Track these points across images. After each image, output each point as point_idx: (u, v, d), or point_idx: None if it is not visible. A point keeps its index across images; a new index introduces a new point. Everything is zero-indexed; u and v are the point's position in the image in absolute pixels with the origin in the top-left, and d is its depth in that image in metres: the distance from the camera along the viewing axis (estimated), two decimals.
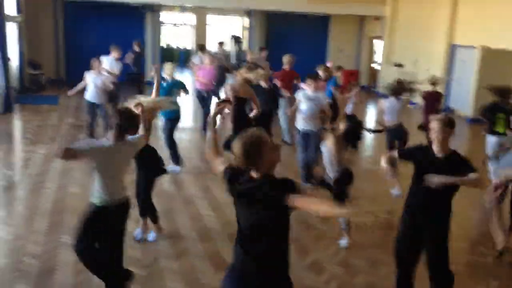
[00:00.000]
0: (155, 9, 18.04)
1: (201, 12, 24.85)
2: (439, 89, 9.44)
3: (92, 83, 8.99)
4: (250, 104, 7.89)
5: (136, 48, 12.23)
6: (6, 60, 11.63)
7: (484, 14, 13.22)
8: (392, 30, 17.49)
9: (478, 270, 5.25)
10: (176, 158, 7.87)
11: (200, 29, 25.81)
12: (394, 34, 17.48)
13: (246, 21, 20.87)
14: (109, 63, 10.30)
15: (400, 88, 7.77)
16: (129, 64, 11.93)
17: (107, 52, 11.23)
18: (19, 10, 13.74)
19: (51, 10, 16.77)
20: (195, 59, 12.32)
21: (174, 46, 26.02)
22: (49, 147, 8.61)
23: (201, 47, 12.60)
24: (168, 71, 7.71)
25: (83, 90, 9.14)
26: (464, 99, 14.01)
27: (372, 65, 19.71)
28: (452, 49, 14.73)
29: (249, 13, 19.58)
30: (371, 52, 19.74)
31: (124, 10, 17.41)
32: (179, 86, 7.85)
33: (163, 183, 7.33)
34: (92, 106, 9.08)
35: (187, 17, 25.76)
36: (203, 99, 10.54)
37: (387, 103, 7.70)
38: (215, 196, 6.90)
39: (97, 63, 9.12)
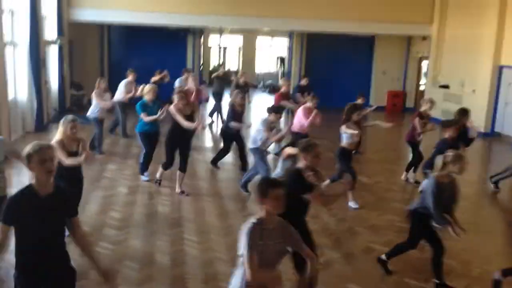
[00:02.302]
0: (196, 32, 18.30)
1: (249, 34, 25.12)
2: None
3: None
4: None
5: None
6: (40, 82, 12.05)
7: None
8: (439, 50, 16.70)
9: None
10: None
11: (248, 51, 26.07)
12: (440, 54, 16.68)
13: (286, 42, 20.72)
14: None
15: None
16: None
17: (149, 74, 12.24)
18: (60, 33, 14.27)
19: (96, 34, 17.42)
20: (177, 82, 12.21)
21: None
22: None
23: (186, 70, 12.57)
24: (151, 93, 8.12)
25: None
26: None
27: (420, 87, 18.91)
28: (498, 70, 13.83)
29: (290, 34, 19.42)
30: (418, 73, 18.96)
31: (166, 34, 17.81)
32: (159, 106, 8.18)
33: (156, 204, 7.23)
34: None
35: (235, 39, 26.09)
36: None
37: None
38: (206, 220, 6.68)
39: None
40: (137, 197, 7.53)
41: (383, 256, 5.31)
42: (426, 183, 5.17)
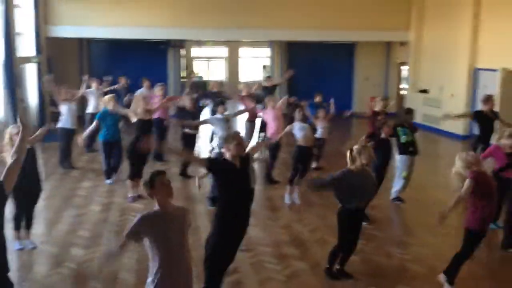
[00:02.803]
0: (176, 45, 18.32)
1: (233, 45, 25.18)
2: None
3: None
4: None
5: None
6: (16, 100, 12.01)
7: (505, 36, 12.46)
8: (417, 56, 16.80)
9: None
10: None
11: (232, 61, 26.14)
12: (419, 59, 16.77)
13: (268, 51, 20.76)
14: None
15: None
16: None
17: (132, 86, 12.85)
18: (38, 51, 14.25)
19: (76, 49, 17.39)
20: (137, 93, 12.21)
21: (206, 79, 26.29)
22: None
23: (144, 80, 12.56)
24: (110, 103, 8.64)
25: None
26: None
27: (401, 91, 19.01)
28: (474, 73, 13.94)
29: (270, 44, 19.50)
30: (399, 78, 19.08)
31: (147, 47, 17.83)
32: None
33: (126, 221, 7.19)
34: None
35: (219, 51, 26.14)
36: (160, 128, 10.54)
37: None
38: None
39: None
40: (109, 214, 7.49)
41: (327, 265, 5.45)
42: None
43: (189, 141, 9.43)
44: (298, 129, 8.06)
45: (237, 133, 4.96)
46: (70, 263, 5.72)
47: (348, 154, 5.20)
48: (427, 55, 16.31)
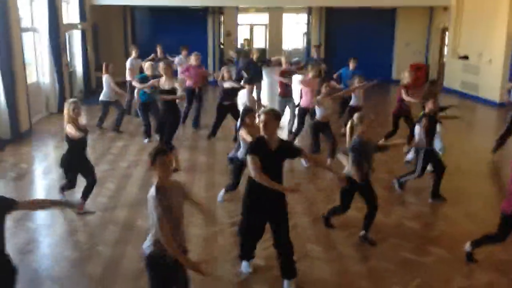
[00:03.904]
0: (215, 11, 18.63)
1: (274, 12, 25.24)
2: None
3: None
4: None
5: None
6: (61, 66, 12.79)
7: None
8: (458, 21, 16.39)
9: None
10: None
11: (274, 28, 26.22)
12: (459, 25, 16.37)
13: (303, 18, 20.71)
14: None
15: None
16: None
17: (174, 53, 13.09)
18: (82, 18, 14.98)
19: (120, 17, 18.06)
20: (176, 60, 12.50)
21: (247, 46, 26.54)
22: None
23: (184, 47, 12.79)
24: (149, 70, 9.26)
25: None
26: None
27: (443, 58, 18.63)
28: None
29: (309, 10, 19.45)
30: (441, 45, 18.66)
31: (187, 13, 18.26)
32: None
33: (150, 176, 7.78)
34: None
35: (261, 17, 26.27)
36: (192, 96, 10.94)
37: None
38: (193, 192, 7.17)
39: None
40: (134, 170, 8.12)
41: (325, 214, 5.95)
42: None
43: (224, 112, 9.71)
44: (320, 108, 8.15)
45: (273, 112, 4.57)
46: (99, 211, 6.37)
47: (349, 124, 5.47)
48: (467, 20, 15.90)
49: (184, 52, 12.61)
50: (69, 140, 6.14)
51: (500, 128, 9.46)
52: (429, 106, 6.80)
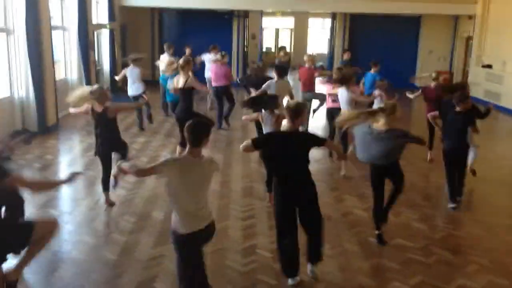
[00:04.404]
0: (240, 15, 18.93)
1: (300, 16, 25.42)
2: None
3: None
4: None
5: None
6: (89, 63, 13.25)
7: None
8: (483, 30, 16.37)
9: None
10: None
11: (299, 32, 26.39)
12: (484, 33, 16.35)
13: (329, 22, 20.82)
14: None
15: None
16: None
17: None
18: (111, 18, 15.44)
19: (148, 18, 18.52)
20: (204, 57, 12.83)
21: (273, 50, 26.80)
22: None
23: (214, 47, 13.01)
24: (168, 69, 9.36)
25: None
26: None
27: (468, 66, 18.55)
28: None
29: (333, 15, 19.59)
30: (465, 52, 18.59)
31: (213, 16, 18.61)
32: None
33: None
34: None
35: (287, 21, 26.49)
36: (217, 95, 11.19)
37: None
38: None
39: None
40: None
41: None
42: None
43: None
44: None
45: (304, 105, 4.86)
46: (114, 201, 6.67)
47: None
48: (492, 29, 15.86)
49: (214, 50, 12.79)
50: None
51: None
52: (465, 106, 6.51)
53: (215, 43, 13.98)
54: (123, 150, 6.71)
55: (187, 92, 8.18)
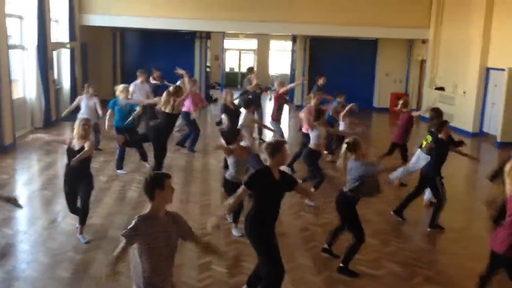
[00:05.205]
0: (202, 36, 19.19)
1: (262, 38, 25.88)
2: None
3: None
4: None
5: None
6: (48, 82, 13.15)
7: None
8: (435, 54, 17.09)
9: None
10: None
11: (262, 54, 26.85)
12: (437, 57, 17.07)
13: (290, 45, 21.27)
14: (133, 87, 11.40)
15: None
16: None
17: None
18: (72, 37, 15.37)
19: (109, 37, 18.52)
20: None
21: (236, 70, 27.15)
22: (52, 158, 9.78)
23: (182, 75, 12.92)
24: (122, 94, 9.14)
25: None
26: (497, 123, 13.42)
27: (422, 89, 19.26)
28: (486, 72, 14.20)
29: (293, 38, 20.07)
30: (420, 75, 19.32)
31: (175, 37, 18.80)
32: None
33: (127, 190, 8.08)
34: None
35: (249, 43, 26.92)
36: (187, 120, 11.10)
37: None
38: None
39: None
40: (113, 184, 8.43)
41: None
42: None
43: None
44: (314, 134, 8.04)
45: (283, 142, 4.85)
46: (72, 220, 6.63)
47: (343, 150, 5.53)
48: (444, 53, 16.59)
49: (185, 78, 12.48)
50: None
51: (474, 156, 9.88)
52: (444, 133, 6.91)
53: (177, 63, 14.05)
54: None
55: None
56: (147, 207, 3.47)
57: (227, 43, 25.61)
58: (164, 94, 8.55)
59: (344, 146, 5.48)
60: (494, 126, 13.61)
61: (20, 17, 12.45)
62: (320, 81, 13.25)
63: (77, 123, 6.06)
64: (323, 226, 6.80)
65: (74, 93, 15.62)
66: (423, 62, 18.80)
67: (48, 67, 13.25)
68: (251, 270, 5.01)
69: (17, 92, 12.39)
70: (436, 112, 8.27)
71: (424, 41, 17.99)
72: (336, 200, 5.60)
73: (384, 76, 19.68)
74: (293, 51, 20.42)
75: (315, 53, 19.70)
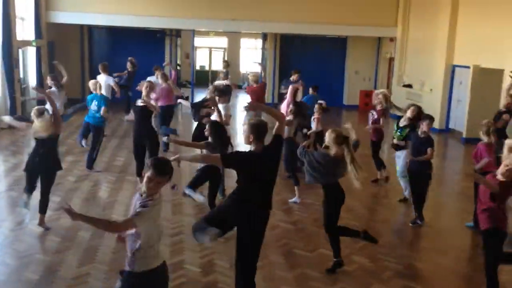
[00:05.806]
0: (172, 34, 19.05)
1: (233, 36, 25.84)
2: None
3: None
4: None
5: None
6: (13, 80, 12.85)
7: (478, 34, 13.01)
8: (403, 51, 17.41)
9: None
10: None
11: (232, 52, 26.82)
12: (404, 55, 17.39)
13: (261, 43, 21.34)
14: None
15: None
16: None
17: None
18: (38, 35, 15.05)
19: (77, 35, 18.18)
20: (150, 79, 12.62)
21: (207, 68, 27.04)
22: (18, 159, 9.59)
23: (157, 68, 12.89)
24: (92, 86, 9.31)
25: None
26: (462, 119, 13.73)
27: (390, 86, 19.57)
28: (451, 70, 14.52)
29: (264, 35, 20.13)
30: (389, 73, 19.62)
31: (145, 35, 18.60)
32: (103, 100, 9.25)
33: (97, 190, 7.97)
34: None
35: (220, 41, 26.85)
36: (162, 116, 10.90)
37: None
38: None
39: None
40: (82, 184, 8.30)
41: None
42: None
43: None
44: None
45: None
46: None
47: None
48: (411, 51, 16.90)
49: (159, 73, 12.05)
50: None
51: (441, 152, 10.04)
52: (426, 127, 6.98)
53: (147, 62, 13.98)
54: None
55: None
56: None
57: (198, 41, 25.49)
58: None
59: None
60: (460, 122, 13.93)
61: None
62: (294, 77, 13.42)
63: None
64: (294, 224, 6.86)
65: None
66: (391, 60, 19.10)
67: (13, 65, 12.95)
68: (224, 269, 4.99)
69: None
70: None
71: (392, 39, 18.28)
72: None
73: (353, 74, 19.91)
74: (263, 49, 20.46)
75: (285, 51, 19.80)
